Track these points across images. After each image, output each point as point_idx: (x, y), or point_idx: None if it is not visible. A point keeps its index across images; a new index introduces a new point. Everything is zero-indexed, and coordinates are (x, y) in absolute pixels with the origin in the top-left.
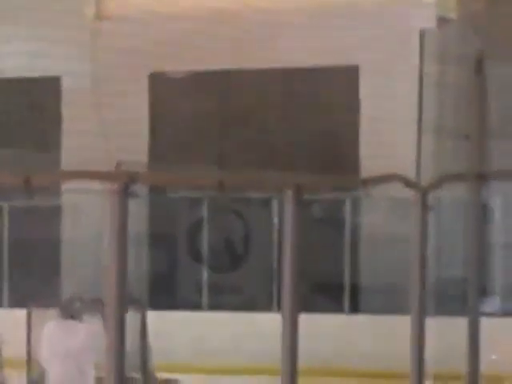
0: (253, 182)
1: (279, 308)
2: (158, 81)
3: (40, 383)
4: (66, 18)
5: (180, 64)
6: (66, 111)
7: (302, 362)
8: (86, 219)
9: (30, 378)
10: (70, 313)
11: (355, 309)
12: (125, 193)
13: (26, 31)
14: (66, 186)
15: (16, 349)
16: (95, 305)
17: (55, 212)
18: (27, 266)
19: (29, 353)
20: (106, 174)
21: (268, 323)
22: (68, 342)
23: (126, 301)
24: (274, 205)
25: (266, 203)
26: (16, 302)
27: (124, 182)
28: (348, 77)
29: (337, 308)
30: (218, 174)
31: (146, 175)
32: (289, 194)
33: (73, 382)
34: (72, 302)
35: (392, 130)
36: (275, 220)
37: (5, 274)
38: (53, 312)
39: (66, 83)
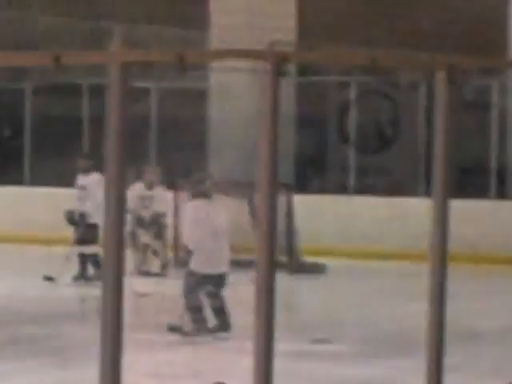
0: (405, 61)
1: (426, 192)
2: None
3: (187, 263)
4: None
5: None
6: None
7: (449, 248)
8: (234, 99)
9: (179, 257)
10: (201, 192)
11: (502, 195)
12: (277, 72)
13: None
14: (215, 65)
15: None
16: (225, 186)
17: (202, 93)
18: (175, 147)
19: (176, 233)
20: (260, 53)
21: (415, 207)
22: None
23: (276, 183)
24: (422, 88)
25: (414, 86)
26: (164, 183)
27: (276, 61)
28: None
29: (483, 194)
30: (370, 53)
31: (300, 54)
32: (441, 75)
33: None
34: (202, 182)
35: None
36: (423, 103)
37: (153, 156)
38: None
39: None
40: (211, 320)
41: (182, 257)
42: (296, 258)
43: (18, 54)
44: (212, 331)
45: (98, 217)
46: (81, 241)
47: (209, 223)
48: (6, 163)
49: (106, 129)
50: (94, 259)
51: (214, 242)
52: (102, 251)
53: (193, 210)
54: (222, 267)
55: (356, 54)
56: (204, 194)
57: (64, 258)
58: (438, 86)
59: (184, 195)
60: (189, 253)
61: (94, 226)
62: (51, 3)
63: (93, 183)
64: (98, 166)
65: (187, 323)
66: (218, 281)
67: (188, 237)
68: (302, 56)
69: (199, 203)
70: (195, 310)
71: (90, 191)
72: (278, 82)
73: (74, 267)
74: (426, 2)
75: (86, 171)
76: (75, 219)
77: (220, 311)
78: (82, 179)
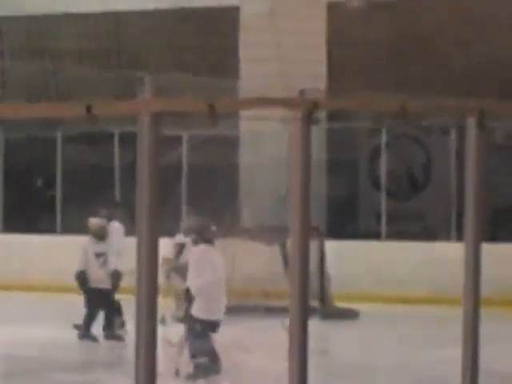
0: (435, 107)
1: (458, 237)
2: (336, 8)
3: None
4: None
5: None
6: (243, 38)
7: (484, 292)
8: (264, 147)
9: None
10: (207, 237)
11: None
12: (308, 120)
13: None
14: (245, 113)
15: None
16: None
17: (233, 141)
18: (206, 194)
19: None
20: (291, 100)
21: (447, 252)
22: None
23: (309, 228)
24: (453, 132)
25: (444, 131)
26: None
27: (307, 109)
28: None
29: None
30: (400, 99)
31: (331, 102)
32: (472, 120)
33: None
34: (206, 227)
35: None
36: (453, 148)
37: (183, 202)
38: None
39: (244, 9)
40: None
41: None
42: (328, 304)
43: (50, 105)
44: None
45: (118, 264)
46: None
47: (211, 270)
48: (40, 212)
49: (137, 178)
50: (116, 307)
51: (215, 288)
52: (123, 298)
53: (197, 255)
54: (220, 314)
55: (386, 101)
56: (207, 240)
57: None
58: (469, 131)
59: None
60: (191, 299)
61: (117, 274)
62: (83, 54)
63: (112, 231)
64: (129, 214)
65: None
66: (214, 327)
67: (191, 283)
68: (333, 103)
69: (203, 249)
70: (208, 353)
71: (109, 239)
72: (309, 130)
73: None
74: (456, 46)
75: (109, 219)
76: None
77: (213, 354)
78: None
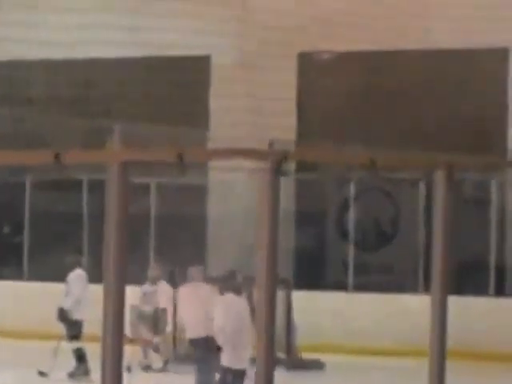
0: (405, 161)
1: (425, 289)
2: (306, 59)
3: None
4: None
5: (329, 43)
6: (214, 87)
7: (449, 344)
8: (232, 197)
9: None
10: (231, 287)
11: (501, 291)
12: (277, 171)
13: (177, 8)
14: (214, 163)
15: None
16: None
17: (200, 190)
18: (173, 242)
19: (174, 326)
20: (260, 151)
21: (414, 304)
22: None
23: (276, 280)
24: (421, 185)
25: (413, 183)
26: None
27: (276, 160)
28: (498, 59)
29: (482, 290)
30: (369, 152)
31: (300, 153)
32: (440, 173)
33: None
34: (233, 277)
35: None
36: (422, 201)
37: (150, 250)
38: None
39: (215, 60)
40: None
41: (186, 351)
42: (294, 355)
43: (19, 152)
44: None
45: (78, 313)
46: (67, 336)
47: (238, 319)
48: (6, 258)
49: (104, 224)
50: (79, 354)
51: (241, 337)
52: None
53: (224, 304)
54: (246, 363)
55: (356, 154)
56: (235, 290)
57: (52, 352)
58: (438, 184)
59: (214, 289)
60: (219, 348)
61: (76, 322)
62: (51, 101)
63: (73, 279)
64: (96, 262)
65: None
66: (242, 375)
67: (219, 331)
68: (303, 155)
69: (231, 298)
70: None
71: (70, 287)
72: (278, 181)
73: (68, 362)
74: (425, 101)
75: (72, 267)
76: (63, 315)
77: None
78: (69, 275)
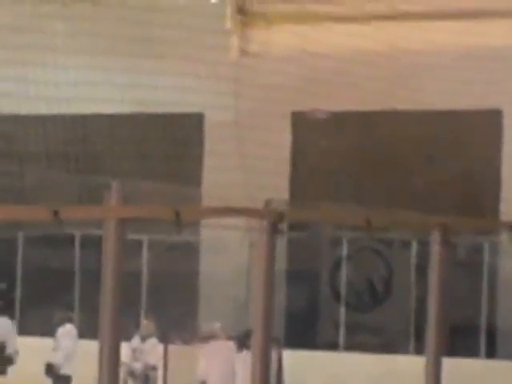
0: (399, 222)
1: (417, 350)
2: (300, 119)
3: None
4: (211, 53)
5: (323, 103)
6: (208, 146)
7: None
8: (225, 255)
9: None
10: (247, 345)
11: (492, 354)
12: (273, 230)
13: (170, 65)
14: (206, 221)
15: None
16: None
17: (193, 247)
18: (165, 300)
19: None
20: (256, 210)
21: (405, 365)
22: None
23: (270, 336)
24: (414, 246)
25: (405, 244)
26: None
27: (273, 220)
28: (491, 121)
29: (473, 352)
30: (364, 212)
31: (297, 213)
32: (435, 234)
33: None
34: (249, 335)
35: None
36: (414, 261)
37: (142, 307)
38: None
39: (209, 118)
40: None
41: None
42: None
43: (16, 208)
44: None
45: (67, 368)
46: None
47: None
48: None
49: (97, 280)
50: None
51: None
52: None
53: (243, 362)
54: None
55: (350, 214)
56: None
57: None
58: (432, 245)
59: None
60: None
61: (64, 377)
62: (49, 157)
63: (63, 334)
64: (88, 317)
65: None
66: None
67: None
68: (298, 215)
69: (249, 357)
70: None
71: (59, 342)
72: (274, 240)
73: None
74: (418, 161)
75: (61, 322)
76: (51, 370)
77: None
78: (58, 330)
